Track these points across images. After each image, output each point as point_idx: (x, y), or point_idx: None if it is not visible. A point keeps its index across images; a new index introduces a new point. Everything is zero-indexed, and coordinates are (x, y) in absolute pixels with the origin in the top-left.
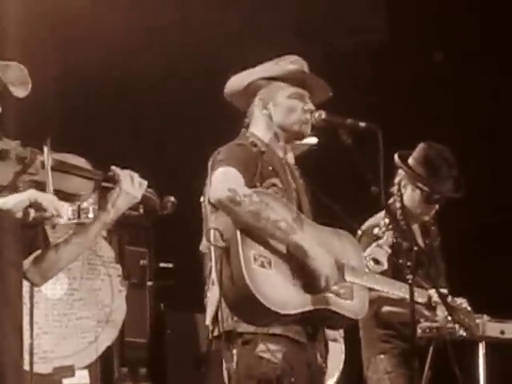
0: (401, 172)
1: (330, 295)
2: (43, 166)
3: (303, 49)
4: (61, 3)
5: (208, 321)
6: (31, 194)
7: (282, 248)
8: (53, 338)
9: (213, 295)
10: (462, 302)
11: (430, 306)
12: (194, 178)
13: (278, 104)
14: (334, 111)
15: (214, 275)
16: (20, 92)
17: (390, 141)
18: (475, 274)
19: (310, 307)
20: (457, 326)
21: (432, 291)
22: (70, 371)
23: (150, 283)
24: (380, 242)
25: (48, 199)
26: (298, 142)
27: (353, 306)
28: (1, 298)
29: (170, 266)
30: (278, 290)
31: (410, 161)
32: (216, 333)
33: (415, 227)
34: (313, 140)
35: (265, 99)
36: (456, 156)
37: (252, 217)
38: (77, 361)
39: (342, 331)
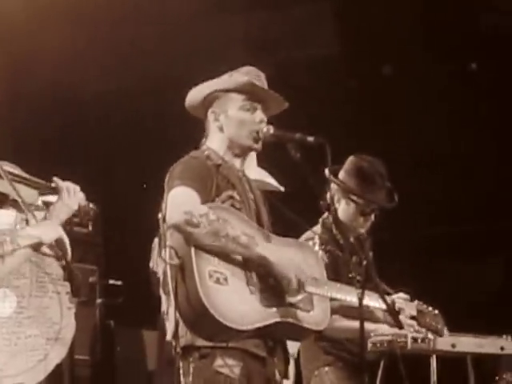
0: (333, 186)
1: (289, 308)
2: None
3: (254, 62)
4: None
5: (169, 336)
6: (57, 232)
7: (239, 262)
8: (2, 357)
9: (172, 310)
10: (428, 306)
11: (393, 311)
12: (143, 195)
13: (228, 116)
14: (282, 125)
15: (172, 290)
16: None
17: (339, 154)
18: (425, 285)
19: (268, 321)
20: (424, 329)
21: (395, 297)
22: None
23: (99, 300)
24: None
25: (67, 240)
26: (266, 181)
27: (313, 317)
28: None
29: (119, 283)
30: (235, 305)
31: (341, 174)
32: (178, 349)
33: (351, 240)
34: (280, 187)
35: (216, 112)
36: (403, 169)
37: (211, 237)
38: (26, 379)
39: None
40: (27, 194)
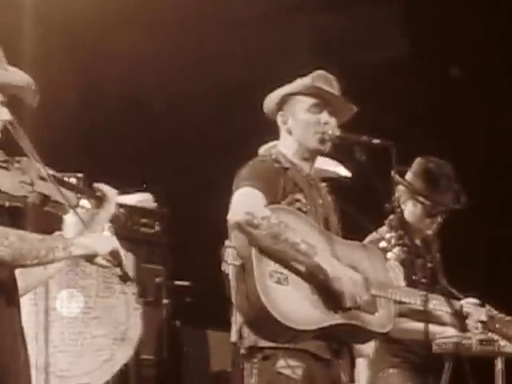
0: (400, 188)
1: (352, 310)
2: (40, 177)
3: (321, 65)
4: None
5: (233, 337)
6: (112, 244)
7: (301, 267)
8: (68, 357)
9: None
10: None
11: (461, 315)
12: (211, 195)
13: (296, 119)
14: (349, 127)
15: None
16: (29, 99)
17: (406, 158)
18: (493, 288)
19: (328, 322)
20: (493, 334)
21: (464, 301)
22: None
23: (165, 301)
24: (389, 256)
25: (122, 252)
26: (330, 170)
27: (377, 319)
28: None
29: (186, 283)
30: (295, 306)
31: (408, 175)
32: (242, 350)
33: (417, 243)
34: (345, 172)
35: (284, 115)
36: (474, 170)
37: (270, 240)
38: (93, 379)
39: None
40: (67, 196)
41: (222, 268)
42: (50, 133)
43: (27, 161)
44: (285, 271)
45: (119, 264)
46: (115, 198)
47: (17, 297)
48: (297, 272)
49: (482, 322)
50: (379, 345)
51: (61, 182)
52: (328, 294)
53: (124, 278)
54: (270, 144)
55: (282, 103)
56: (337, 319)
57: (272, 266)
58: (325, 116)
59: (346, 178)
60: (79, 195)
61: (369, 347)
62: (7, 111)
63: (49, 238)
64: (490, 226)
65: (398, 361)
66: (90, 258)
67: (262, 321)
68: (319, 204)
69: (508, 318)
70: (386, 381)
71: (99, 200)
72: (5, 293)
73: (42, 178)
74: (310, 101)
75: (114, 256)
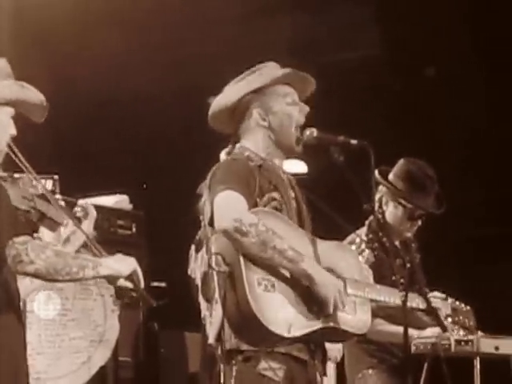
0: (382, 188)
1: (336, 312)
2: (37, 194)
3: (296, 65)
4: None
5: (211, 339)
6: (132, 265)
7: (287, 273)
8: (46, 359)
9: (217, 314)
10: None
11: (430, 311)
12: (190, 195)
13: (275, 112)
14: (326, 126)
15: (217, 294)
16: (37, 116)
17: (383, 157)
18: (467, 288)
19: (313, 328)
20: (456, 326)
21: (430, 295)
22: None
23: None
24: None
25: (140, 273)
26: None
27: (356, 321)
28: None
29: (163, 285)
30: (282, 312)
31: (391, 177)
32: (219, 351)
33: (396, 244)
34: (302, 168)
35: (261, 111)
36: (448, 170)
37: (258, 247)
38: (70, 381)
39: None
40: (56, 214)
41: (189, 272)
42: (23, 134)
43: (27, 177)
44: (271, 278)
45: (137, 286)
46: (94, 218)
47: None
48: (283, 278)
49: (448, 315)
50: (355, 346)
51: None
52: (312, 299)
53: (144, 302)
54: (237, 145)
55: (248, 101)
56: (320, 323)
57: (259, 272)
58: (302, 105)
59: (302, 174)
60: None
61: (336, 351)
62: (14, 126)
63: (81, 256)
64: (466, 226)
65: (375, 362)
66: (113, 280)
67: (251, 328)
68: (292, 197)
69: (467, 308)
70: (365, 382)
71: (79, 219)
72: (14, 307)
73: (38, 196)
74: (280, 89)
75: (134, 277)
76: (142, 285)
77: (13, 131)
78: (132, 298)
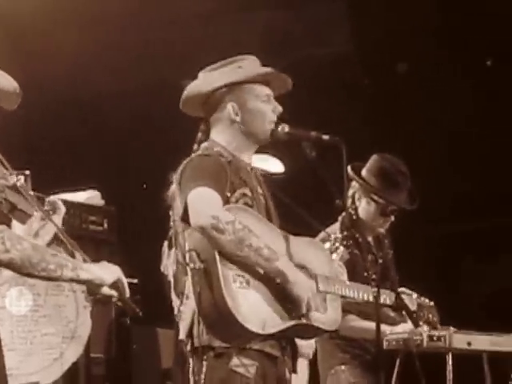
0: (354, 184)
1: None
2: (7, 185)
3: (268, 59)
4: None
5: (182, 335)
6: (116, 273)
7: (262, 272)
8: (17, 355)
9: (187, 310)
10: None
11: (396, 307)
12: (159, 191)
13: (249, 109)
14: (298, 121)
15: (187, 290)
16: (10, 103)
17: (354, 154)
18: (441, 285)
19: (286, 325)
20: (421, 322)
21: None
22: None
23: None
24: (334, 257)
25: (125, 282)
26: (262, 168)
27: (327, 318)
28: None
29: (135, 281)
30: (257, 310)
31: (364, 172)
32: (189, 347)
33: (369, 240)
34: (278, 168)
35: (235, 105)
36: (420, 166)
37: (235, 245)
38: (42, 377)
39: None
40: (26, 206)
41: (162, 269)
42: None
43: None
44: (246, 275)
45: (122, 295)
46: (63, 213)
47: None
48: (258, 276)
49: (413, 311)
50: (327, 342)
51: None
52: (285, 297)
53: (129, 310)
54: (208, 141)
55: (223, 93)
56: (293, 321)
57: (234, 269)
58: (276, 104)
59: (278, 174)
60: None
61: (309, 347)
62: None
63: (61, 255)
64: (439, 223)
65: (347, 357)
66: (95, 288)
67: (226, 324)
68: (260, 193)
69: (430, 304)
70: (338, 377)
71: (47, 213)
72: None
73: (9, 187)
74: (258, 88)
75: (118, 287)
76: (128, 294)
77: None
78: (123, 307)
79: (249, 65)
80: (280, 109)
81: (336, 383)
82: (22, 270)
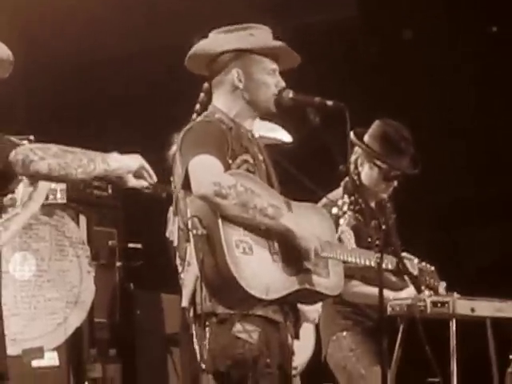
0: (357, 150)
1: (307, 274)
2: None
3: (271, 25)
4: None
5: (184, 302)
6: (139, 160)
7: (263, 232)
8: (21, 320)
9: (189, 277)
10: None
11: (398, 272)
12: (164, 159)
13: (253, 79)
14: (302, 88)
15: (189, 257)
16: (3, 71)
17: (359, 119)
18: (445, 250)
19: (290, 290)
20: (424, 287)
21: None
22: (39, 353)
23: (118, 263)
24: (341, 223)
25: (148, 166)
26: (271, 136)
27: (329, 283)
28: None
29: (139, 246)
30: (260, 275)
31: (366, 138)
32: (192, 313)
33: (372, 205)
34: (286, 137)
35: (240, 72)
36: (424, 133)
37: (239, 208)
38: (46, 342)
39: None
40: None
41: (167, 235)
42: None
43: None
44: (249, 240)
45: (151, 182)
46: None
47: None
48: (259, 238)
49: (415, 276)
50: (330, 308)
51: None
52: (290, 255)
53: (162, 191)
54: (209, 106)
55: (231, 57)
56: (296, 285)
57: (236, 235)
58: (280, 79)
59: (287, 143)
60: None
61: (315, 312)
62: None
63: (87, 151)
64: (441, 189)
65: (349, 323)
66: (122, 182)
67: (229, 290)
68: (261, 160)
69: (431, 269)
70: (339, 344)
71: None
72: None
73: None
74: (267, 62)
75: (142, 174)
76: (155, 177)
77: None
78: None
79: (261, 34)
80: (283, 84)
81: (338, 349)
82: (61, 172)
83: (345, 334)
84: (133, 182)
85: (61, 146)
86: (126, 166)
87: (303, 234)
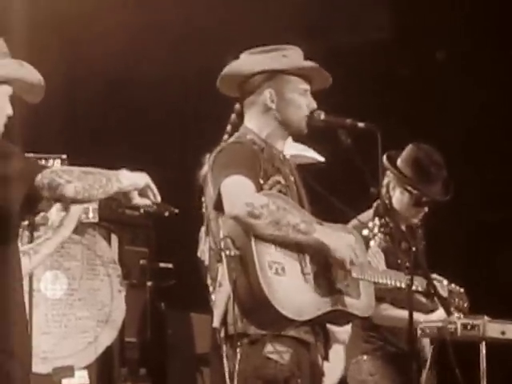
0: (389, 173)
1: (339, 295)
2: None
3: (305, 46)
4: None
5: (216, 323)
6: (146, 178)
7: (295, 249)
8: (52, 338)
9: (220, 297)
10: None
11: (428, 293)
12: (194, 177)
13: (286, 99)
14: (334, 110)
15: (220, 277)
16: (35, 96)
17: (391, 141)
18: (475, 273)
19: (322, 311)
20: (453, 309)
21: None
22: (69, 371)
23: (149, 283)
24: (371, 244)
25: (153, 186)
26: (303, 155)
27: (360, 304)
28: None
29: (170, 266)
30: (293, 296)
31: (399, 162)
32: (223, 334)
33: (403, 228)
34: (320, 158)
35: (273, 93)
36: (456, 155)
37: (273, 227)
38: (76, 361)
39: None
40: None
41: (199, 254)
42: (34, 113)
43: (33, 157)
44: (281, 261)
45: (155, 201)
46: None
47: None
48: (291, 257)
49: (445, 298)
50: (352, 331)
51: None
52: (321, 271)
53: (165, 211)
54: (241, 128)
55: (264, 78)
56: (328, 306)
57: (269, 256)
58: (312, 100)
59: (320, 162)
60: None
61: (345, 333)
62: (10, 106)
63: (100, 170)
64: (471, 211)
65: (370, 348)
66: (127, 200)
67: (262, 311)
68: (292, 181)
69: (461, 291)
70: (359, 367)
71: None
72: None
73: None
74: (299, 82)
75: (147, 193)
76: (159, 197)
77: (9, 111)
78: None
79: (293, 55)
80: (314, 105)
81: (357, 372)
82: (85, 194)
83: (365, 357)
84: (137, 200)
85: (80, 167)
86: (135, 183)
87: (337, 245)
